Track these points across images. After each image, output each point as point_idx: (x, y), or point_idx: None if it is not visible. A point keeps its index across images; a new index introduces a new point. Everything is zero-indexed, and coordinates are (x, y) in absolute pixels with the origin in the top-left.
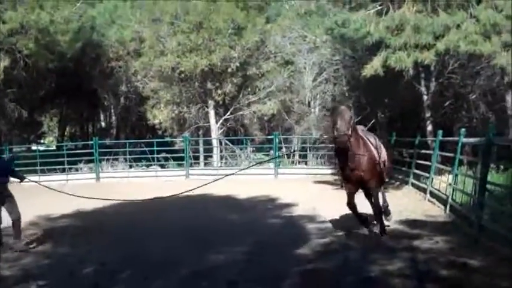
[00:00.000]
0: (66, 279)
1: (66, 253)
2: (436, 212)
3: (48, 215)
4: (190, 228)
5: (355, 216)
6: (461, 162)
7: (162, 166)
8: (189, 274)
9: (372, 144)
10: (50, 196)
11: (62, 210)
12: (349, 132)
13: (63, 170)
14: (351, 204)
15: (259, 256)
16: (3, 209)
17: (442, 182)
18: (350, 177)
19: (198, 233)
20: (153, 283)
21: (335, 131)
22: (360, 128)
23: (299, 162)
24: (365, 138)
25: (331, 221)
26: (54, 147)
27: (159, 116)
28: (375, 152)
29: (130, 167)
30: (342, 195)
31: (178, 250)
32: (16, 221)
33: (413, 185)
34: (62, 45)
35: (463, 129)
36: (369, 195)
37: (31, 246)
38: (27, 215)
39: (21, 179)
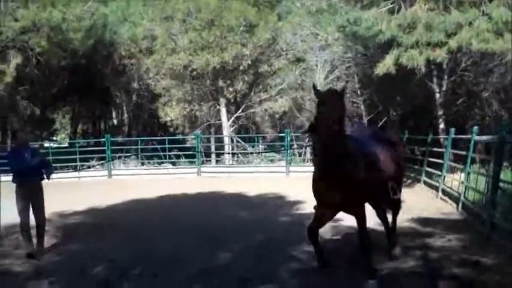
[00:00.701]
0: (77, 276)
1: (78, 250)
2: (449, 210)
3: (61, 211)
4: (201, 226)
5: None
6: (473, 160)
7: (174, 163)
8: (199, 271)
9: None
10: (63, 193)
11: (75, 207)
12: (343, 126)
13: (75, 168)
14: (313, 233)
15: (269, 253)
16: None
17: (454, 180)
18: (326, 196)
19: (208, 230)
20: (163, 280)
21: (322, 122)
22: (361, 123)
23: (310, 159)
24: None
25: (342, 219)
26: (66, 145)
27: (171, 113)
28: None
29: (142, 164)
30: None
31: (189, 247)
32: (41, 225)
33: (425, 183)
34: (74, 43)
35: (476, 127)
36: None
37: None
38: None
39: (48, 176)
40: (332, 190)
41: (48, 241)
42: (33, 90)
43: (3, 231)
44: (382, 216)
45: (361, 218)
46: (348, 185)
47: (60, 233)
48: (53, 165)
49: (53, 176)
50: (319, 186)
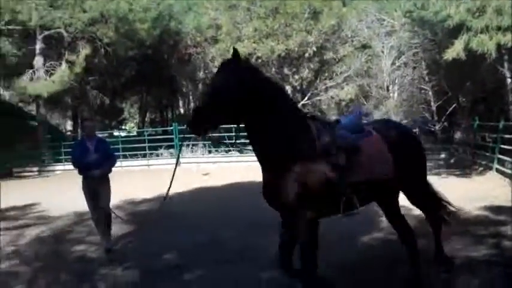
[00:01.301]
0: (149, 262)
1: (148, 237)
2: None
3: (132, 199)
4: (269, 215)
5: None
6: None
7: (241, 151)
8: (268, 260)
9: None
10: (133, 180)
11: (145, 194)
12: (221, 118)
13: (144, 156)
14: (283, 247)
15: (330, 243)
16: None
17: None
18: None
19: (275, 220)
20: (233, 268)
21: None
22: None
23: None
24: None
25: (408, 206)
26: (135, 133)
27: None
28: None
29: (210, 152)
30: None
31: (257, 236)
32: (106, 217)
33: (497, 170)
34: (141, 33)
35: None
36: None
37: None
38: (112, 199)
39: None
40: (268, 187)
41: (119, 228)
42: (102, 80)
43: (76, 218)
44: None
45: (298, 229)
46: (278, 184)
47: (130, 220)
48: (123, 153)
49: (124, 163)
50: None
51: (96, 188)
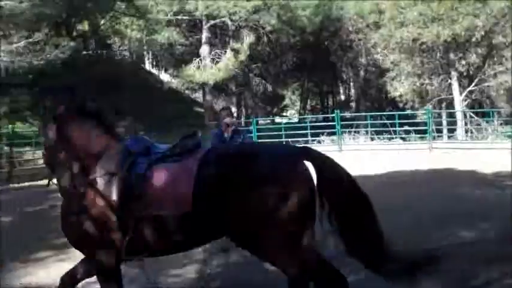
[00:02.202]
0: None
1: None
2: None
3: None
4: (432, 204)
5: None
6: None
7: (404, 139)
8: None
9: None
10: None
11: None
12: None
13: (306, 142)
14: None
15: None
16: None
17: None
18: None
19: (439, 210)
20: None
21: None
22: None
23: None
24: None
25: None
26: (295, 120)
27: (400, 88)
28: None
29: (372, 139)
30: None
31: (421, 227)
32: None
33: None
34: (302, 20)
35: None
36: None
37: None
38: None
39: None
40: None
41: None
42: (264, 67)
43: None
44: None
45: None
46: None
47: None
48: (285, 140)
49: None
50: None
51: None
